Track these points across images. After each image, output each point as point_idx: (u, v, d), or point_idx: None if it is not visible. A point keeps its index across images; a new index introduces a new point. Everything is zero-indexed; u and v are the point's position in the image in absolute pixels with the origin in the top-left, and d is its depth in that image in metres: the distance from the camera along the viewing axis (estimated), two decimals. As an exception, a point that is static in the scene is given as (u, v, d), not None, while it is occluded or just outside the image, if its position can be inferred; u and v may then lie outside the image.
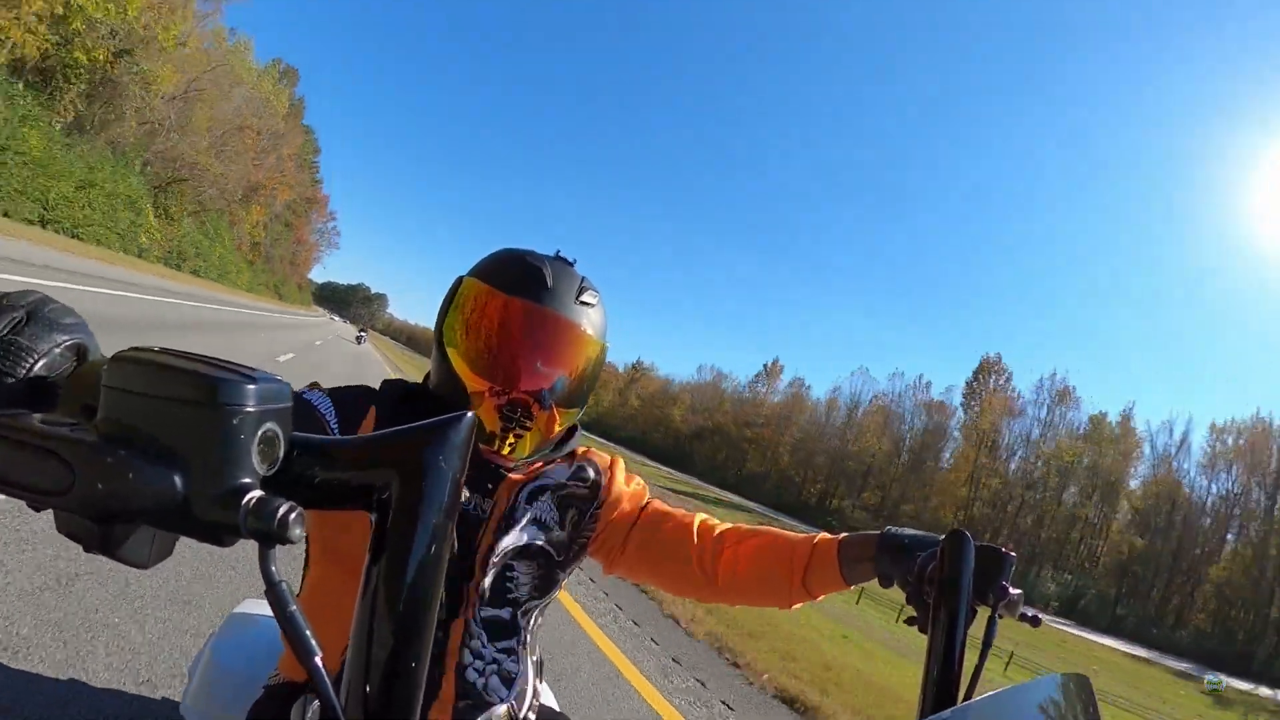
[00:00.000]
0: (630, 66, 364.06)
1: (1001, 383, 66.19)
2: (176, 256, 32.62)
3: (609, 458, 1.09)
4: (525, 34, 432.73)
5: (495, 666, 0.93)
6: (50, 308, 0.39)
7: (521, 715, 0.96)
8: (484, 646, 0.92)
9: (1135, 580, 55.80)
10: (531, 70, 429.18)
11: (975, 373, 67.63)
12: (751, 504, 59.35)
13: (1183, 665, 44.59)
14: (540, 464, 1.00)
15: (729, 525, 1.03)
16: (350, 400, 0.94)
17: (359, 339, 45.17)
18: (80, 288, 9.50)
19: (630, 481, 1.07)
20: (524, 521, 0.95)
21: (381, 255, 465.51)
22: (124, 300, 10.84)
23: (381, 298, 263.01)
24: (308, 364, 14.12)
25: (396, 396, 0.99)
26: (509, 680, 0.94)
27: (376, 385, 1.02)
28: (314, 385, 0.93)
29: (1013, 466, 63.98)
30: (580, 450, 1.06)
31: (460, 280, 0.96)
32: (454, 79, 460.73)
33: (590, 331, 0.94)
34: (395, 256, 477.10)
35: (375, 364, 25.97)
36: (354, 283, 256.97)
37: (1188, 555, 55.13)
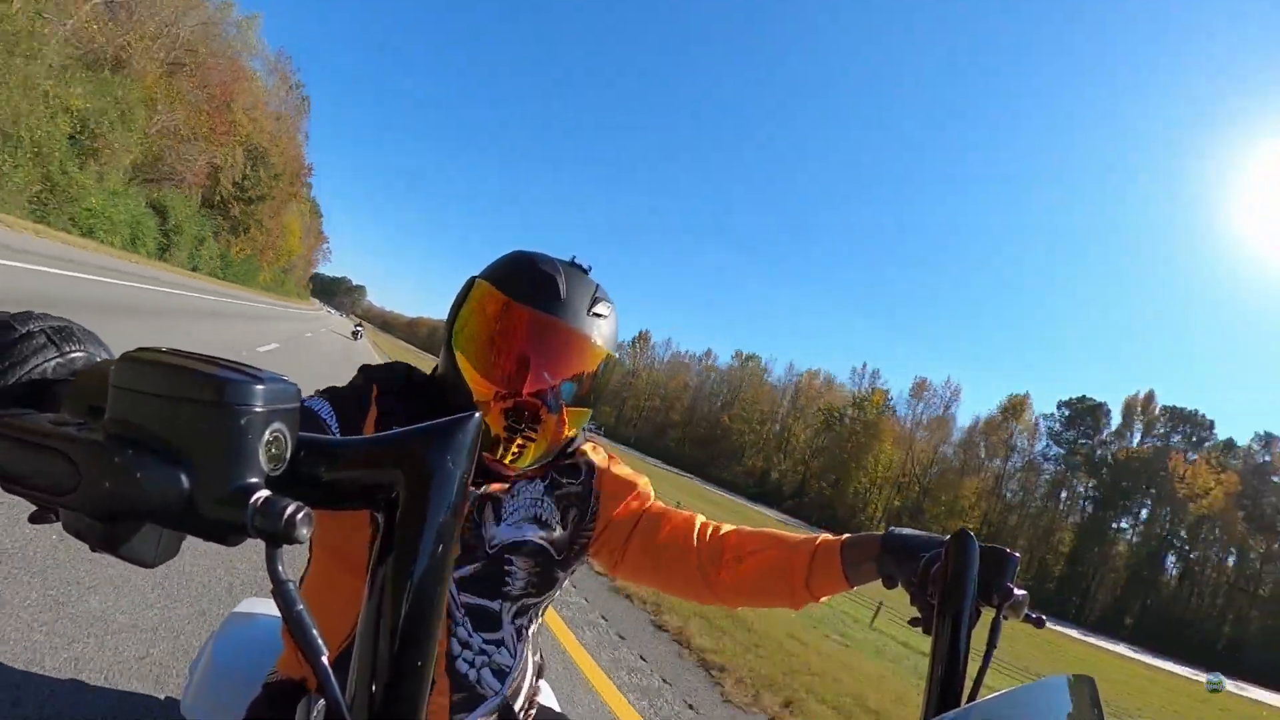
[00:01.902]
0: (585, 61, 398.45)
1: (647, 343, 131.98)
2: (280, 289, 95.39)
3: (606, 455, 1.07)
4: (489, 30, 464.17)
5: (485, 658, 0.92)
6: (63, 320, 0.40)
7: (518, 710, 0.96)
8: (470, 635, 0.91)
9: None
10: (496, 61, 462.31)
11: (633, 340, 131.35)
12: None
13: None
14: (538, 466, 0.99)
15: (730, 527, 1.02)
16: (347, 397, 0.93)
17: (355, 334, 42.74)
18: (256, 304, 29.55)
19: (631, 480, 1.06)
20: (520, 516, 0.95)
21: (360, 247, 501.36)
22: (254, 308, 25.80)
23: (362, 288, 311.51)
24: (323, 339, 23.31)
25: (398, 382, 0.98)
26: (501, 673, 0.93)
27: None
28: (315, 393, 0.92)
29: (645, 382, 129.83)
30: (576, 448, 1.04)
31: (472, 281, 0.95)
32: (426, 72, 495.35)
33: (601, 343, 0.93)
34: (372, 249, 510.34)
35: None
36: (338, 275, 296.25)
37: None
